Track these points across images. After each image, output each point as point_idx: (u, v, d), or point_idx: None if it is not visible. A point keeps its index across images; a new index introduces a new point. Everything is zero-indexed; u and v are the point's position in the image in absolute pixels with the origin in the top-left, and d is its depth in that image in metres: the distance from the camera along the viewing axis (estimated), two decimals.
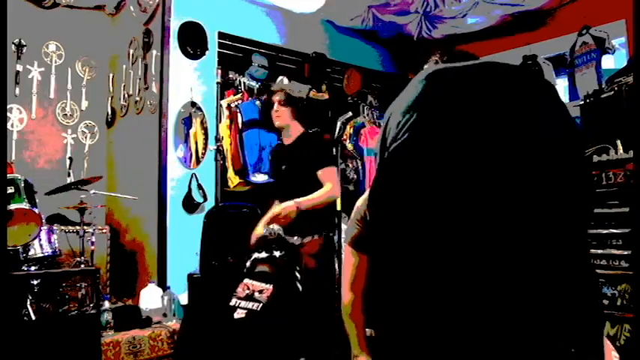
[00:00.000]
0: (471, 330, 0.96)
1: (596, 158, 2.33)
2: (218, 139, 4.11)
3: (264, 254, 2.22)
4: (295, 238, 2.67)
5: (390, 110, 1.11)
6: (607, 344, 1.08)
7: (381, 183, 1.10)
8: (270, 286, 2.03)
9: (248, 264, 2.23)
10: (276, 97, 3.14)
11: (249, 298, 2.00)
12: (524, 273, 0.96)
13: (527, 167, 0.99)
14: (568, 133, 1.04)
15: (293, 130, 3.13)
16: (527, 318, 0.96)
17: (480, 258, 0.97)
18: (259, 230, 2.61)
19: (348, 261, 1.64)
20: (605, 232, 1.88)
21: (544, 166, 0.99)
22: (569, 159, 1.03)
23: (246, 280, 2.07)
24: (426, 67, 1.54)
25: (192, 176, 4.09)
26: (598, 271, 1.88)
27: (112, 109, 4.81)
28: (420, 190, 1.01)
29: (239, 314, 1.96)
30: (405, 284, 1.03)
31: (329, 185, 2.87)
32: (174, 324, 3.49)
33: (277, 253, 2.23)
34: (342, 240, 3.27)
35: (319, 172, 2.89)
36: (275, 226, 2.46)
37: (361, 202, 1.61)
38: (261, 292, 2.01)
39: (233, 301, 2.00)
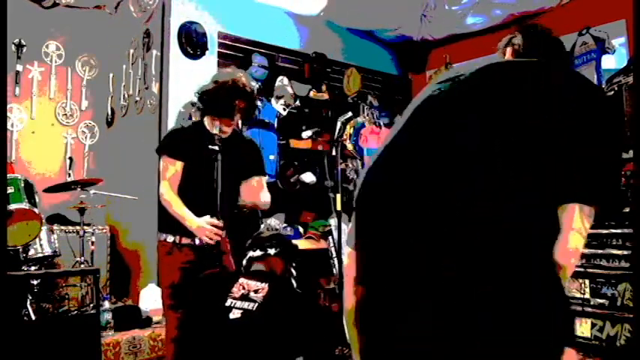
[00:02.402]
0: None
1: None
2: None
3: (258, 252, 2.21)
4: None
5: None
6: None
7: (364, 183, 1.16)
8: (265, 285, 2.03)
9: (244, 262, 2.22)
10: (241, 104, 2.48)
11: (245, 297, 1.99)
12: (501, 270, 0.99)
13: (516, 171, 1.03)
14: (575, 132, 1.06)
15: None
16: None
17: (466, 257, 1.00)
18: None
19: (352, 265, 1.62)
20: (605, 232, 1.88)
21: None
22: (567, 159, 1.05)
23: (242, 280, 2.06)
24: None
25: None
26: (598, 271, 1.88)
27: (112, 109, 4.81)
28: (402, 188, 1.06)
29: (235, 314, 1.95)
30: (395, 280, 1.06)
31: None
32: None
33: (272, 251, 2.22)
34: (344, 242, 3.24)
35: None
36: (272, 222, 2.45)
37: None
38: (256, 291, 2.01)
39: (229, 302, 1.99)
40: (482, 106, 1.08)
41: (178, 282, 2.40)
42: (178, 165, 2.48)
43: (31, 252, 3.35)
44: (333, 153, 3.44)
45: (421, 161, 1.08)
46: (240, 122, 2.61)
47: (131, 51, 4.53)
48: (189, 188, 2.49)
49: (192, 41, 4.17)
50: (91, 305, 3.37)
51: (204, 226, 2.33)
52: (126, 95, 4.57)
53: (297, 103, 4.67)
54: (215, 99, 2.48)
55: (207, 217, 2.34)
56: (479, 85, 1.12)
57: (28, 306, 3.08)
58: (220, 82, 2.51)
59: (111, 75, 4.81)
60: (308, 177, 4.51)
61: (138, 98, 4.39)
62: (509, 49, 1.48)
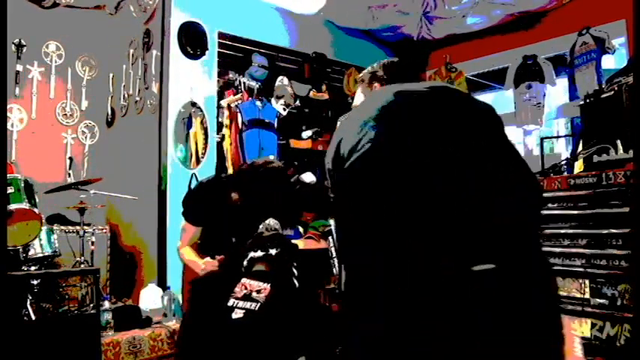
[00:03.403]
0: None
1: (596, 158, 2.33)
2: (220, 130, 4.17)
3: (259, 253, 2.21)
4: None
5: (340, 133, 1.23)
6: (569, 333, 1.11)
7: (350, 190, 1.19)
8: (267, 285, 2.03)
9: (245, 263, 2.22)
10: None
11: (247, 297, 1.99)
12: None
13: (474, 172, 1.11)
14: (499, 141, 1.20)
15: None
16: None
17: (452, 257, 1.03)
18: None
19: None
20: (605, 232, 1.88)
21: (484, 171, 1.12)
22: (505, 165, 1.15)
23: (244, 280, 2.06)
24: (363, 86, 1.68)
25: (192, 176, 4.09)
26: (598, 271, 1.88)
27: (112, 109, 4.81)
28: (389, 191, 1.10)
29: (237, 314, 1.95)
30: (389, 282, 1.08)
31: None
32: (174, 324, 3.49)
33: (273, 251, 2.22)
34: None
35: None
36: (272, 221, 2.45)
37: None
38: (258, 291, 2.01)
39: (231, 302, 1.99)
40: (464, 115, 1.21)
41: (198, 278, 2.58)
42: (197, 229, 2.77)
43: (31, 252, 3.35)
44: None
45: (413, 167, 1.13)
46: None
47: (131, 51, 4.53)
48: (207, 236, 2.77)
49: (192, 41, 4.17)
50: (91, 305, 3.36)
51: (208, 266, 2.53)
52: (126, 95, 4.57)
53: (297, 103, 4.68)
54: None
55: (208, 258, 2.55)
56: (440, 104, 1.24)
57: (28, 306, 3.08)
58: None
59: (111, 75, 4.81)
60: (308, 177, 4.50)
61: (138, 98, 4.39)
62: (376, 83, 1.65)
